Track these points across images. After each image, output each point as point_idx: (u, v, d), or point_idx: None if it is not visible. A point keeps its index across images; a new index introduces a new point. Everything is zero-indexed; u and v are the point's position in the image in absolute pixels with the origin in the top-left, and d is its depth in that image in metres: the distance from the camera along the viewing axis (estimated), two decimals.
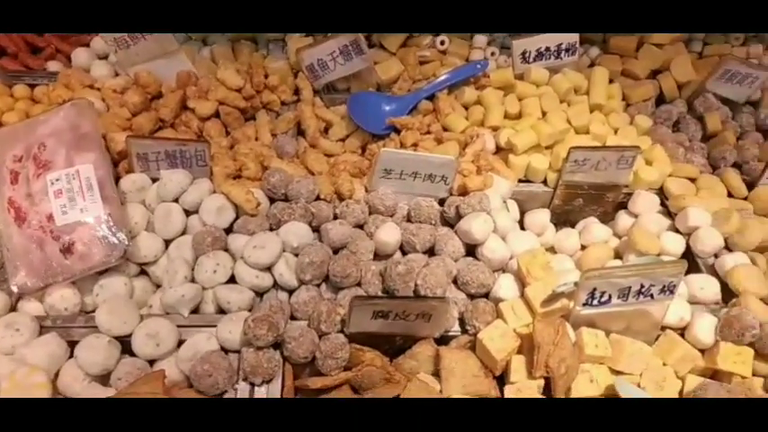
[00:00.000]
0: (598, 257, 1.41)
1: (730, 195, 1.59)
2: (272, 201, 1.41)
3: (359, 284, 1.28)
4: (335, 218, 1.40)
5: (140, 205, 1.37)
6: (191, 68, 1.69)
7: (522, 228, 1.53)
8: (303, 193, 1.38)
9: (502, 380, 1.20)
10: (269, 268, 1.28)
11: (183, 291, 1.21)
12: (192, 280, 1.27)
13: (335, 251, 1.32)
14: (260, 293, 1.29)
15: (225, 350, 1.18)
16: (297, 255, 1.29)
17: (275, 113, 1.72)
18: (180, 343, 1.19)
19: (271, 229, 1.35)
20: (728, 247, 1.46)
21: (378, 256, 1.37)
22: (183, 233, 1.36)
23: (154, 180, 1.42)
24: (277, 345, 1.18)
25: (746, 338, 1.22)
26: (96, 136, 1.33)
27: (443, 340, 1.25)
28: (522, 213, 1.54)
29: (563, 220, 1.60)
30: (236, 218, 1.37)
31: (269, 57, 1.82)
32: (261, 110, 1.70)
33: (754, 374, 1.23)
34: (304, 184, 1.38)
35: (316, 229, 1.37)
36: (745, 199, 1.58)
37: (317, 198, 1.42)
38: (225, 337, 1.17)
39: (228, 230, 1.35)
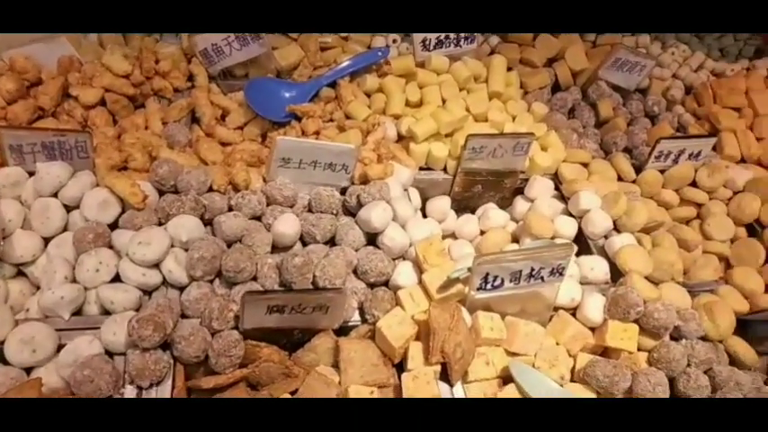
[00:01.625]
0: (496, 242, 1.45)
1: (621, 179, 1.66)
2: (161, 194, 1.34)
3: (255, 279, 1.25)
4: (230, 210, 1.35)
5: (15, 201, 1.28)
6: (73, 53, 1.59)
7: (425, 215, 1.55)
8: (194, 184, 1.32)
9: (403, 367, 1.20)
10: (157, 265, 1.22)
11: (62, 292, 1.13)
12: (74, 280, 1.19)
13: (230, 245, 1.28)
14: (148, 292, 1.23)
15: (110, 354, 1.12)
16: (187, 250, 1.23)
17: (168, 101, 1.64)
18: (60, 348, 1.12)
19: (160, 224, 1.29)
20: (617, 229, 1.53)
21: (277, 248, 1.34)
22: (65, 230, 1.28)
23: (31, 174, 1.32)
24: (167, 345, 1.13)
25: (632, 316, 1.29)
26: None
27: (344, 331, 1.25)
28: (424, 201, 1.56)
29: (463, 206, 1.63)
30: (123, 212, 1.30)
31: (161, 41, 1.74)
32: (151, 97, 1.62)
33: (639, 349, 1.30)
34: (194, 174, 1.33)
35: (209, 223, 1.33)
36: (634, 182, 1.66)
37: (210, 189, 1.37)
38: (109, 339, 1.11)
39: (114, 226, 1.28)
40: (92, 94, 1.53)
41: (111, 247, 1.24)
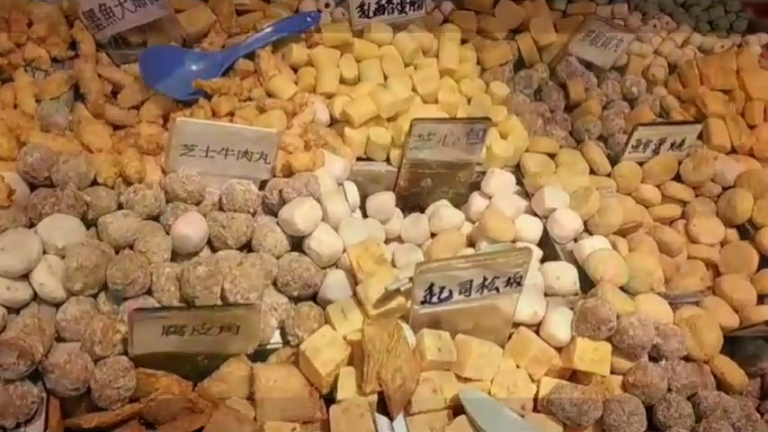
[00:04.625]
0: (448, 246, 1.47)
1: (593, 172, 1.71)
2: (32, 188, 1.32)
3: (149, 293, 1.24)
4: (120, 208, 1.34)
5: None
6: None
7: (365, 215, 1.56)
8: (72, 176, 1.30)
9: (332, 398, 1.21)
10: (26, 276, 1.19)
11: None
12: None
13: (118, 251, 1.26)
14: (15, 310, 1.20)
15: None
16: (64, 257, 1.21)
17: (43, 73, 1.61)
18: None
19: (31, 226, 1.26)
20: (588, 231, 1.57)
21: (178, 255, 1.33)
22: None
23: None
24: (38, 375, 1.10)
25: (603, 333, 1.32)
26: None
27: (260, 356, 1.25)
28: (364, 198, 1.57)
29: (411, 204, 1.65)
30: None
31: (35, 0, 1.70)
32: (21, 68, 1.59)
33: (612, 372, 1.34)
34: (74, 164, 1.31)
35: (92, 224, 1.31)
36: (609, 176, 1.71)
37: (95, 183, 1.35)
38: None
39: None
40: None
41: None
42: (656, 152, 1.72)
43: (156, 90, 1.60)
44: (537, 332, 1.35)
